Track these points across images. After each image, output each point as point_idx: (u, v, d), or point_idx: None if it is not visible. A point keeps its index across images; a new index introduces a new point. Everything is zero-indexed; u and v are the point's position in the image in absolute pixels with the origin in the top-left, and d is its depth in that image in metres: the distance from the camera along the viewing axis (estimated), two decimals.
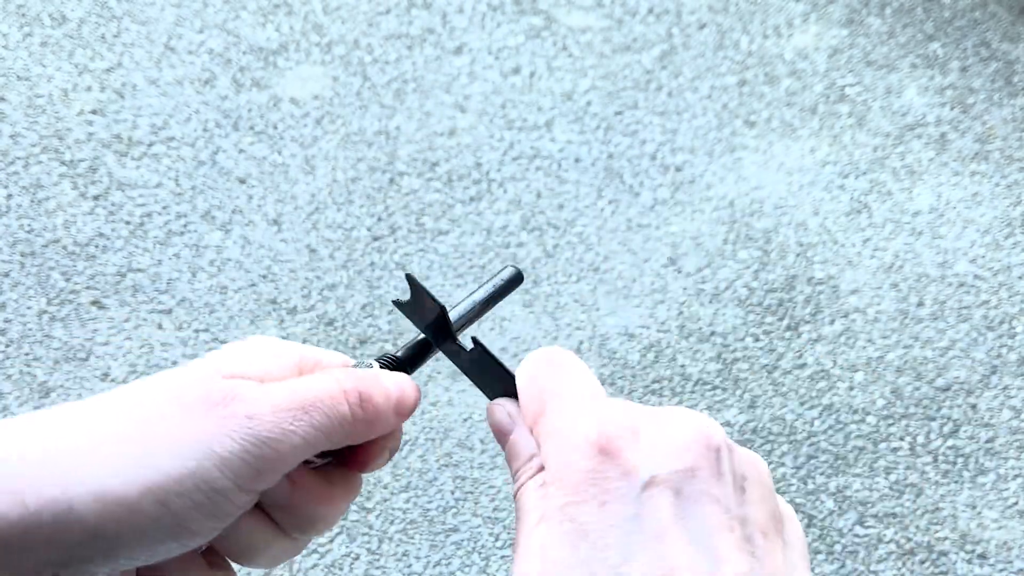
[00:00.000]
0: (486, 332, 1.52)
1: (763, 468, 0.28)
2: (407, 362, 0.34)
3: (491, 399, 0.33)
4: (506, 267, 0.39)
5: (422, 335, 0.35)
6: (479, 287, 0.36)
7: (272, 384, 0.28)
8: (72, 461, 0.25)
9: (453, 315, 0.34)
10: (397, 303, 0.34)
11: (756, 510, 0.26)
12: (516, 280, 0.37)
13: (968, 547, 1.36)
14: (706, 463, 0.26)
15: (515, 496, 0.29)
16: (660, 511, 0.25)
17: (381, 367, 0.34)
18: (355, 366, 0.33)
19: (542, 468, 0.28)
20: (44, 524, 0.24)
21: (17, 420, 0.26)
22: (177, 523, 0.25)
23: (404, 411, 0.32)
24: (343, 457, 0.32)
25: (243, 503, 0.27)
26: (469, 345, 0.33)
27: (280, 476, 0.28)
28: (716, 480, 0.26)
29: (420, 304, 0.34)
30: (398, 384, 0.32)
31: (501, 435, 0.31)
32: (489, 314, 1.55)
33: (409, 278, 0.34)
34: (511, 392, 0.32)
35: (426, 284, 1.59)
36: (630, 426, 0.27)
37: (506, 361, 0.32)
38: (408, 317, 0.35)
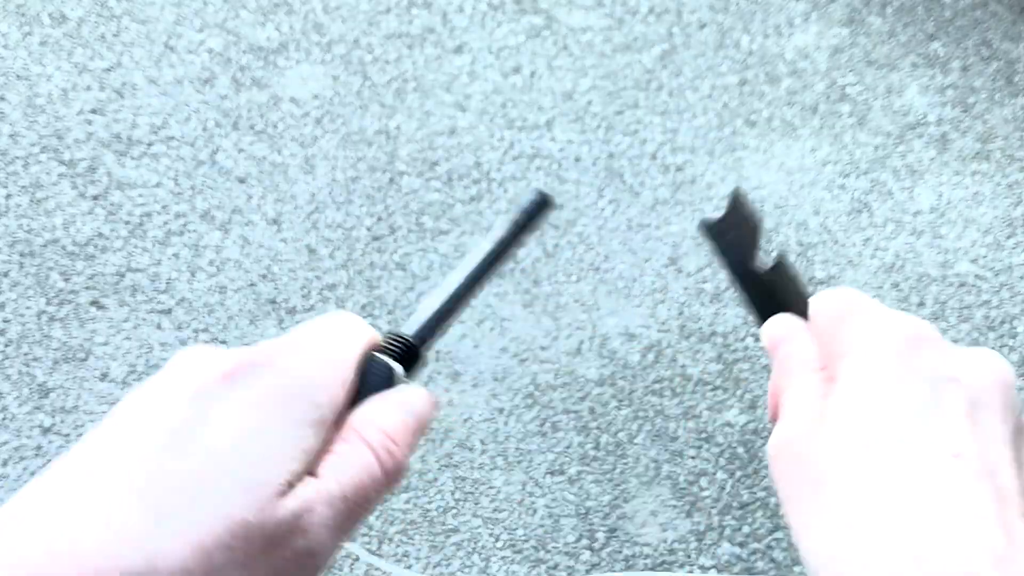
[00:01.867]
0: (486, 332, 1.52)
1: None
2: (421, 342, 0.33)
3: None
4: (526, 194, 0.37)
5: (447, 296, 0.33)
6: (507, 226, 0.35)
7: (324, 487, 0.26)
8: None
9: (482, 248, 0.34)
10: (704, 224, 0.35)
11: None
12: (544, 203, 0.37)
13: None
14: (1000, 391, 0.28)
15: (782, 392, 0.31)
16: (955, 405, 0.27)
17: (394, 351, 0.32)
18: (370, 359, 0.31)
19: (823, 369, 0.31)
20: None
21: (46, 499, 0.24)
22: None
23: (425, 431, 0.32)
24: None
25: None
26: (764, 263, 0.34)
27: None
28: (1005, 409, 0.28)
29: (733, 222, 0.34)
30: (419, 411, 0.31)
31: (780, 341, 0.33)
32: (489, 314, 1.55)
33: (737, 193, 0.34)
34: (797, 312, 0.34)
35: (426, 284, 1.59)
36: (938, 336, 0.30)
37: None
38: (712, 238, 0.35)
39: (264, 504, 0.24)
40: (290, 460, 0.26)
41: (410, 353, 0.33)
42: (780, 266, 0.34)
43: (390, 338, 0.33)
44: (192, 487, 0.24)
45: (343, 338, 0.31)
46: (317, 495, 0.26)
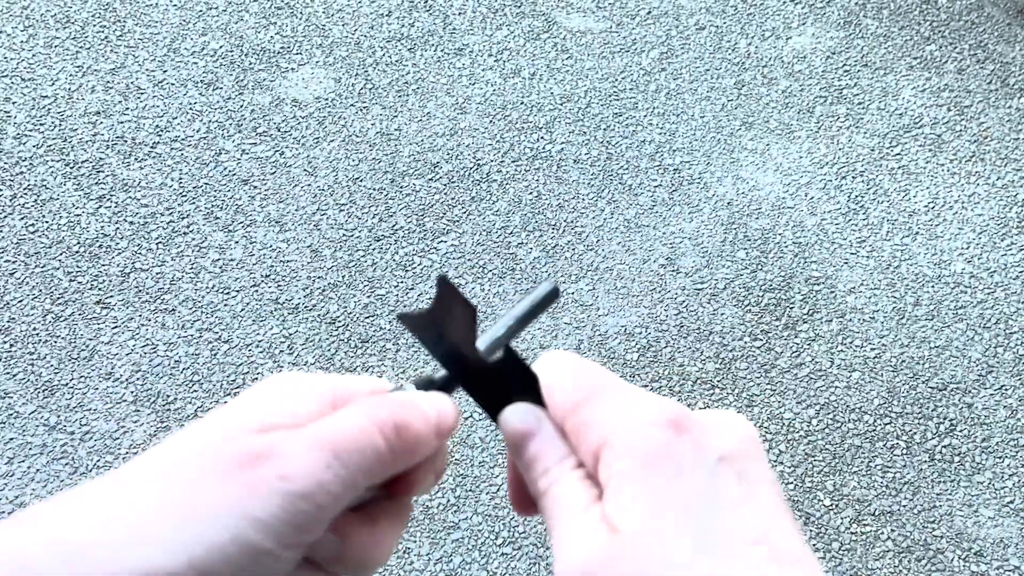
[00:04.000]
0: (485, 332, 1.53)
1: None
2: (445, 385, 0.32)
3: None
4: (543, 283, 0.36)
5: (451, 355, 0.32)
6: (513, 305, 0.34)
7: (302, 431, 0.27)
8: (116, 541, 0.24)
9: (485, 338, 0.32)
10: (404, 317, 0.32)
11: (781, 492, 0.29)
12: (553, 296, 0.35)
13: (964, 545, 1.37)
14: (758, 450, 0.29)
15: (543, 495, 0.29)
16: (730, 485, 0.27)
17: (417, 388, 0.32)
18: (392, 390, 0.31)
19: (580, 465, 0.29)
20: None
21: (55, 503, 0.26)
22: None
23: (445, 431, 0.30)
24: (386, 486, 0.31)
25: (289, 559, 0.26)
26: (490, 356, 0.32)
27: (324, 526, 0.27)
28: (764, 470, 0.29)
29: (443, 312, 0.32)
30: (435, 405, 0.30)
31: (524, 438, 0.30)
32: (490, 313, 1.56)
33: (442, 280, 0.31)
34: (531, 400, 0.31)
35: (426, 285, 1.60)
36: (688, 411, 0.29)
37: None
38: (418, 331, 0.32)
39: (235, 434, 0.27)
40: (270, 412, 0.28)
41: (434, 389, 0.33)
42: (508, 357, 0.31)
43: (418, 380, 0.33)
44: (189, 432, 0.28)
45: (360, 377, 0.32)
46: (291, 433, 0.27)
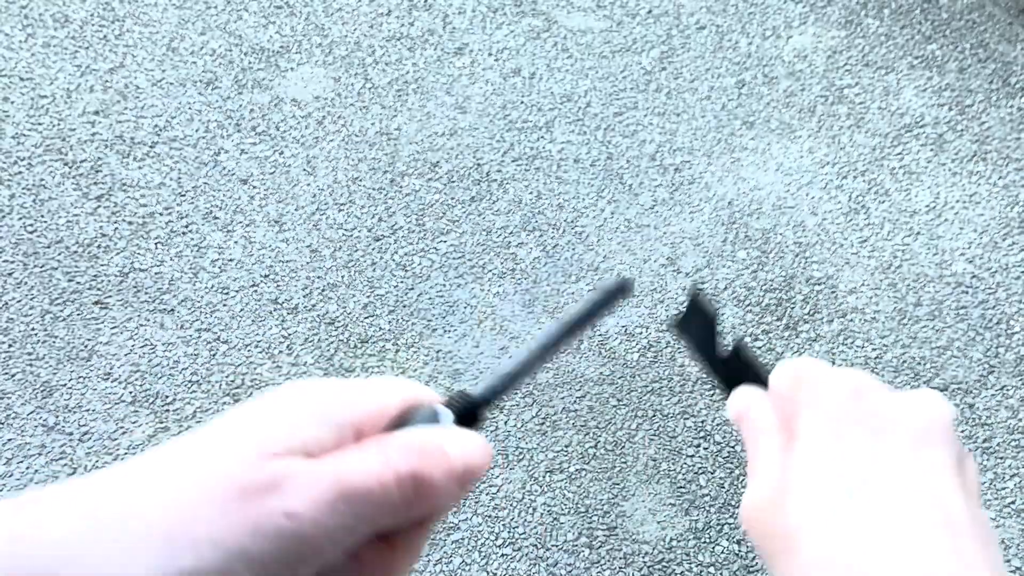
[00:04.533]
0: (486, 332, 1.53)
1: (970, 459, 0.35)
2: (483, 402, 0.31)
3: None
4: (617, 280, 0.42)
5: (503, 372, 0.32)
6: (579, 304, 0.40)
7: (315, 467, 0.26)
8: (100, 553, 0.24)
9: (560, 321, 0.37)
10: (673, 322, 0.41)
11: (972, 481, 0.32)
12: (624, 290, 0.41)
13: None
14: (939, 428, 0.32)
15: (749, 443, 0.35)
16: (898, 445, 0.31)
17: (453, 405, 0.30)
18: (420, 406, 0.30)
19: (783, 430, 0.34)
20: None
21: (50, 494, 0.25)
22: None
23: (469, 481, 0.29)
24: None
25: None
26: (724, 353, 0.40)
27: (313, 569, 0.26)
28: (944, 443, 0.31)
29: (693, 317, 0.40)
30: (465, 453, 0.29)
31: (745, 409, 0.37)
32: (489, 313, 1.56)
33: (693, 293, 0.40)
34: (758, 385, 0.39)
35: (426, 285, 1.60)
36: (879, 384, 0.34)
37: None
38: (683, 334, 0.40)
39: (246, 460, 0.26)
40: (284, 436, 0.27)
41: (468, 409, 0.31)
42: (739, 350, 0.39)
43: (452, 396, 0.32)
44: (195, 443, 0.27)
45: (387, 381, 0.31)
46: (303, 466, 0.26)
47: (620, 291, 0.38)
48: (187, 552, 0.24)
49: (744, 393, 0.38)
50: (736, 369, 0.39)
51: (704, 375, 0.42)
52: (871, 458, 0.30)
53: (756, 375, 0.39)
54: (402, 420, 0.30)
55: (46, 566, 0.23)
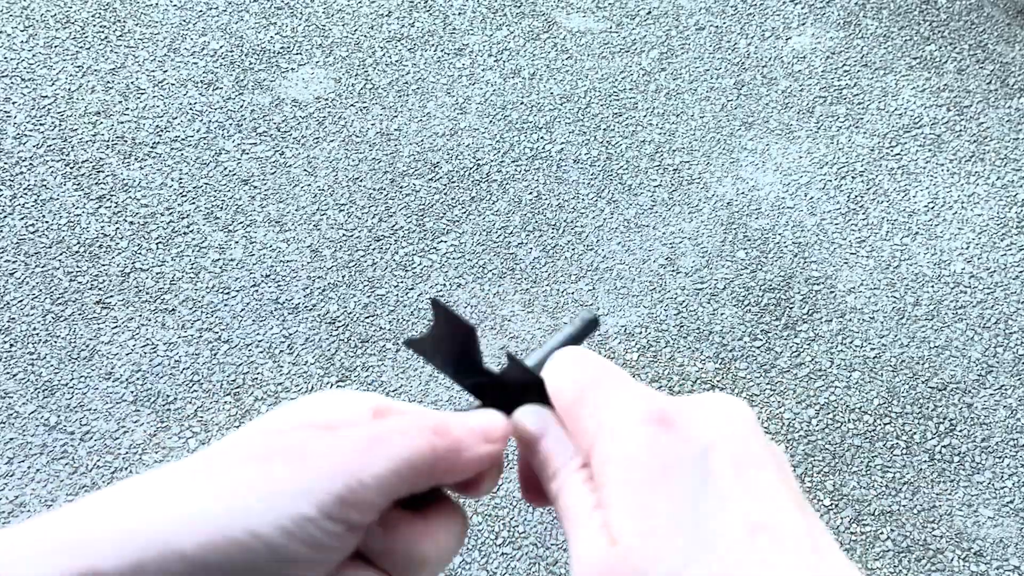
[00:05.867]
0: (486, 332, 1.54)
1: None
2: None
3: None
4: (582, 313, 0.38)
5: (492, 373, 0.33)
6: (553, 334, 0.35)
7: (358, 426, 0.29)
8: (177, 513, 0.26)
9: (530, 361, 0.34)
10: (411, 343, 0.33)
11: (793, 480, 0.28)
12: (592, 325, 0.36)
13: (964, 545, 1.37)
14: (752, 430, 0.28)
15: (555, 498, 0.30)
16: (723, 474, 0.27)
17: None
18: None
19: (585, 465, 0.29)
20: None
21: (138, 479, 0.27)
22: (280, 559, 0.26)
23: (493, 437, 0.31)
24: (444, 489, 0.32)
25: (339, 536, 0.27)
26: (493, 368, 0.33)
27: (373, 510, 0.28)
28: (762, 452, 0.28)
29: (444, 333, 0.33)
30: (479, 415, 0.31)
31: (532, 441, 0.31)
32: (490, 313, 1.56)
33: (435, 303, 0.32)
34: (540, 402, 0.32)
35: (426, 285, 1.61)
36: (676, 402, 0.29)
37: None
38: (426, 355, 0.34)
39: (295, 423, 0.29)
40: (325, 412, 0.30)
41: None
42: (512, 359, 0.31)
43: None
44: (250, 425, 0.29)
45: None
46: (350, 426, 0.29)
47: (590, 327, 0.36)
48: (259, 502, 0.26)
49: (529, 415, 0.31)
50: (513, 387, 0.32)
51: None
52: (705, 502, 0.26)
53: (532, 386, 0.31)
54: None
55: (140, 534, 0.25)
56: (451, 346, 0.33)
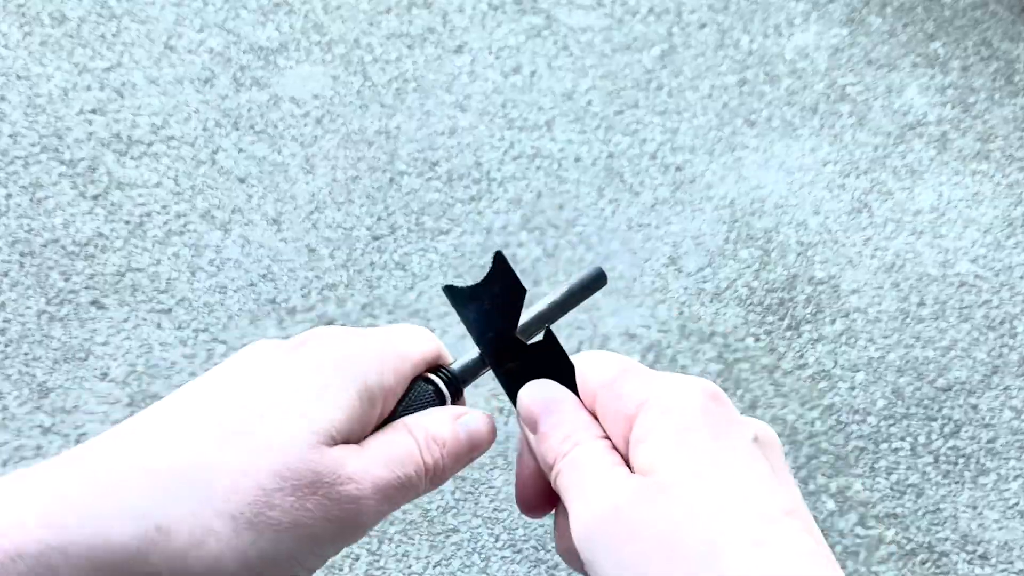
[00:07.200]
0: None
1: None
2: (464, 377, 0.33)
3: None
4: (589, 267, 0.36)
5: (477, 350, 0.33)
6: (557, 288, 0.35)
7: (370, 455, 0.29)
8: (183, 535, 0.25)
9: (523, 317, 0.32)
10: (450, 289, 0.32)
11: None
12: (598, 280, 0.35)
13: (969, 548, 1.36)
14: (780, 449, 0.30)
15: (563, 457, 0.29)
16: (762, 461, 0.28)
17: (444, 377, 0.32)
18: (425, 379, 0.32)
19: (605, 437, 0.29)
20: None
21: (96, 453, 0.26)
22: None
23: (466, 462, 0.32)
24: None
25: (316, 568, 0.28)
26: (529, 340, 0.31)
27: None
28: (784, 461, 0.29)
29: (492, 289, 0.32)
30: (471, 440, 0.32)
31: (544, 409, 0.30)
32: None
33: (499, 255, 0.32)
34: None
35: (425, 284, 1.59)
36: (724, 394, 0.30)
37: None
38: (460, 305, 0.32)
39: (307, 445, 0.27)
40: (335, 420, 0.28)
41: (455, 384, 0.33)
42: (552, 337, 0.30)
43: (441, 369, 0.33)
44: (253, 428, 0.28)
45: (408, 339, 0.32)
46: (359, 454, 0.28)
47: (596, 281, 0.35)
48: (267, 537, 0.26)
49: (542, 389, 0.31)
50: (537, 364, 0.31)
51: (488, 363, 0.30)
52: (749, 475, 0.27)
53: (561, 368, 0.30)
54: (413, 395, 0.31)
55: (124, 545, 0.24)
56: (492, 304, 0.32)
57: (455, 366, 0.33)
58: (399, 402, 0.31)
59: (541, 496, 0.31)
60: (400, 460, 0.29)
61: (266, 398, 0.28)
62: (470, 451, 0.32)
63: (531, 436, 0.30)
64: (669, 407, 0.28)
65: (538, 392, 0.31)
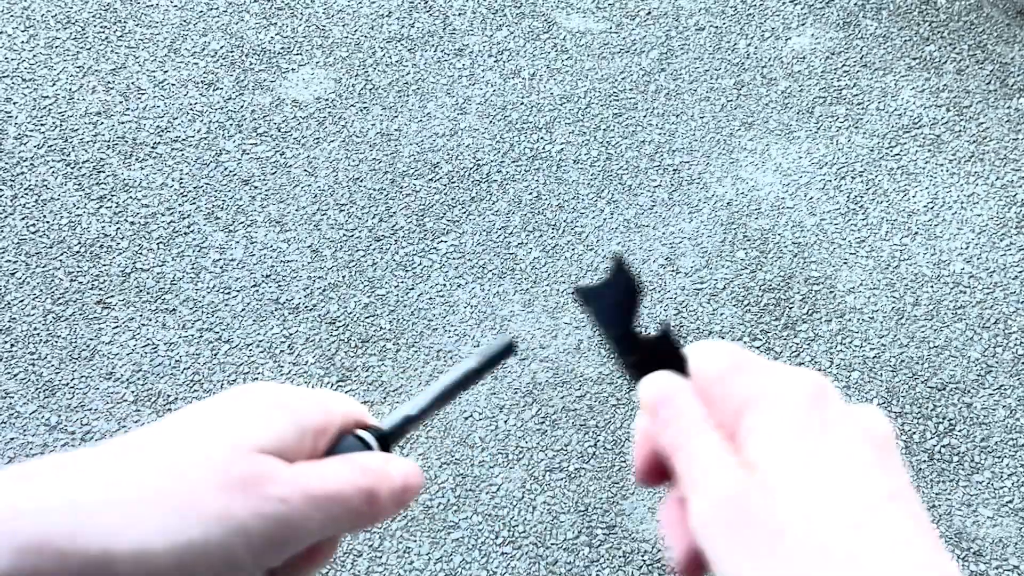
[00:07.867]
0: (486, 332, 1.54)
1: None
2: (392, 436, 0.36)
3: None
4: (498, 339, 0.41)
5: (407, 413, 0.36)
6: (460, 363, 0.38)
7: (300, 467, 0.30)
8: (113, 518, 0.27)
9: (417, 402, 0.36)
10: (580, 290, 0.36)
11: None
12: (507, 351, 0.39)
13: (963, 545, 1.37)
14: (891, 438, 0.32)
15: (680, 448, 0.31)
16: (872, 453, 0.30)
17: (373, 432, 0.35)
18: (353, 432, 0.34)
19: (717, 427, 0.31)
20: None
21: (56, 461, 0.28)
22: None
23: (403, 504, 0.33)
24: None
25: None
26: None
27: (287, 555, 0.30)
28: (895, 451, 0.31)
29: (614, 290, 0.35)
30: (405, 478, 0.33)
31: (666, 398, 0.33)
32: (490, 313, 1.57)
33: (620, 260, 0.35)
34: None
35: (426, 285, 1.61)
36: (834, 388, 0.32)
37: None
38: (590, 304, 0.36)
39: (237, 451, 0.29)
40: (265, 436, 0.31)
41: (385, 440, 0.36)
42: (667, 334, 0.34)
43: (369, 426, 0.37)
44: (193, 440, 0.30)
45: (336, 397, 0.35)
46: (290, 465, 0.30)
47: (506, 352, 0.39)
48: (195, 525, 0.27)
49: (662, 379, 0.33)
50: (656, 356, 0.34)
51: (613, 355, 0.34)
52: (852, 463, 0.29)
53: (679, 367, 0.33)
54: (338, 439, 0.34)
55: (58, 531, 0.26)
56: (614, 302, 0.36)
57: (384, 425, 0.36)
58: (328, 451, 0.34)
59: (655, 473, 0.34)
60: (333, 474, 0.31)
61: (209, 421, 0.31)
62: (404, 490, 0.33)
63: (651, 422, 0.33)
64: (775, 403, 0.30)
65: (657, 384, 0.33)
